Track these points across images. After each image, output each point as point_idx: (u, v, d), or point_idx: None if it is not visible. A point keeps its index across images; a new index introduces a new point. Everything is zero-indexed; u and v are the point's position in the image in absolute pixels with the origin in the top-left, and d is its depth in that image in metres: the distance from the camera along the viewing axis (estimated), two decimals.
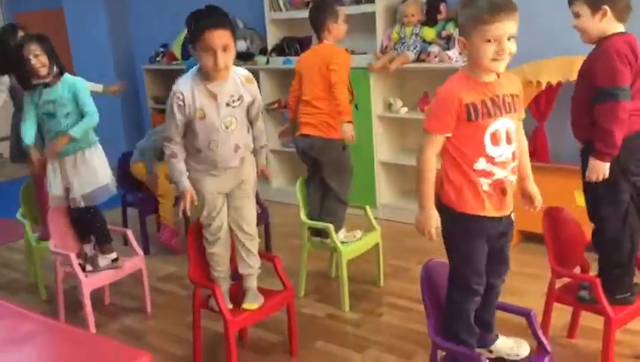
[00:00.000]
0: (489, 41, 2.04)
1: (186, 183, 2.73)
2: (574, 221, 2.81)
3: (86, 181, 3.36)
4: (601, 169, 2.55)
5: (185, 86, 2.61)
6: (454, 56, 4.25)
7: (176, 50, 5.90)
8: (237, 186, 2.85)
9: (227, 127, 2.68)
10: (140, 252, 3.56)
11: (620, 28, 2.57)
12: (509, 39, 2.05)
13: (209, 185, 2.78)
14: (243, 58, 5.39)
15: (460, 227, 2.19)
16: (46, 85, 3.28)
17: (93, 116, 3.29)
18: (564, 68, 3.75)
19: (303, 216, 3.55)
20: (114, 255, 3.48)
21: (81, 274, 3.26)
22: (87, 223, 3.49)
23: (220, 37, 2.49)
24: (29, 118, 3.34)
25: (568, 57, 3.74)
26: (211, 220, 2.82)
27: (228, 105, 2.66)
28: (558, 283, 2.77)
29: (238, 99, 2.68)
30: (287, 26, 5.34)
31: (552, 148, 4.05)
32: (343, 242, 3.48)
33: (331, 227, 3.43)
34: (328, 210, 3.58)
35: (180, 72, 6.01)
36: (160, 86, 6.32)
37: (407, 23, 4.48)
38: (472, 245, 2.20)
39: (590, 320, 2.83)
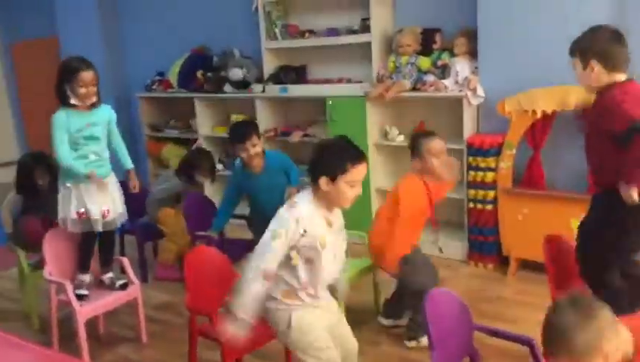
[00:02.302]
0: None
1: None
2: (574, 248, 2.80)
3: (119, 200, 3.45)
4: (635, 192, 2.49)
5: (307, 212, 2.31)
6: (450, 84, 4.29)
7: (173, 78, 5.92)
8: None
9: (335, 256, 2.42)
10: (136, 280, 3.52)
11: (619, 77, 2.57)
12: None
13: (318, 318, 2.43)
14: (239, 86, 5.43)
15: None
16: (80, 109, 3.27)
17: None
18: (559, 97, 3.79)
19: None
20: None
21: (75, 303, 3.21)
22: (111, 243, 3.56)
23: (364, 171, 2.32)
24: (68, 151, 3.24)
25: (564, 86, 3.79)
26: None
27: (336, 233, 2.43)
28: None
29: (340, 227, 2.47)
30: (284, 55, 5.39)
31: (547, 177, 4.07)
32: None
33: None
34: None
35: (175, 100, 6.05)
36: (156, 114, 6.33)
37: (403, 52, 4.53)
38: None
39: None
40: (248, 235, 4.25)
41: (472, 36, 4.31)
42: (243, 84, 5.42)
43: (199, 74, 5.77)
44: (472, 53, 4.33)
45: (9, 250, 3.91)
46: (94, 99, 3.29)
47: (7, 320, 3.97)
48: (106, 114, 3.39)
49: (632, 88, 2.55)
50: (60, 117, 3.22)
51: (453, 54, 4.42)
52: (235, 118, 5.64)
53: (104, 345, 3.51)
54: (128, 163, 3.56)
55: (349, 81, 4.99)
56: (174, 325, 3.71)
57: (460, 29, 4.40)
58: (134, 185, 3.57)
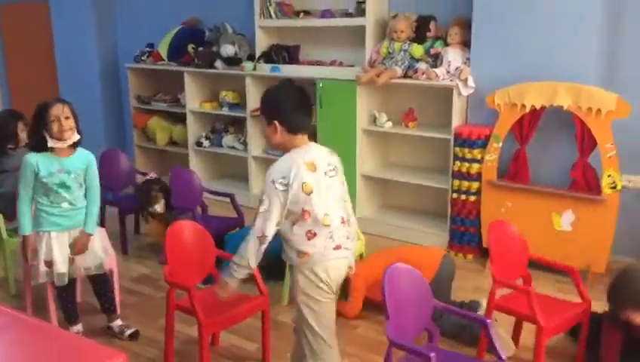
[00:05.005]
0: None
1: None
2: (518, 235, 3.03)
3: (100, 246, 3.19)
4: None
5: None
6: (441, 73, 4.28)
7: (163, 51, 5.85)
8: None
9: None
10: (112, 251, 3.46)
11: None
12: None
13: None
14: (230, 63, 5.38)
15: None
16: (55, 153, 3.00)
17: (99, 193, 3.15)
18: (549, 93, 3.80)
19: None
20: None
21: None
22: (104, 288, 3.30)
23: None
24: (27, 198, 3.00)
25: (554, 83, 3.80)
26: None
27: None
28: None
29: None
30: (276, 34, 5.34)
31: (532, 171, 4.09)
32: None
33: None
34: None
35: (165, 73, 5.96)
36: (144, 85, 6.26)
37: (397, 38, 4.50)
38: None
39: None
40: (231, 213, 4.25)
41: (466, 26, 4.29)
42: (234, 61, 5.37)
43: (190, 48, 5.71)
44: (466, 44, 4.32)
45: None
46: (69, 135, 2.97)
47: None
48: (83, 161, 3.07)
49: None
50: (29, 160, 2.96)
51: (446, 43, 4.40)
52: (225, 94, 5.59)
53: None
54: (90, 227, 3.09)
55: (340, 64, 4.97)
56: (153, 298, 3.70)
57: (455, 18, 4.39)
58: (78, 248, 3.06)
